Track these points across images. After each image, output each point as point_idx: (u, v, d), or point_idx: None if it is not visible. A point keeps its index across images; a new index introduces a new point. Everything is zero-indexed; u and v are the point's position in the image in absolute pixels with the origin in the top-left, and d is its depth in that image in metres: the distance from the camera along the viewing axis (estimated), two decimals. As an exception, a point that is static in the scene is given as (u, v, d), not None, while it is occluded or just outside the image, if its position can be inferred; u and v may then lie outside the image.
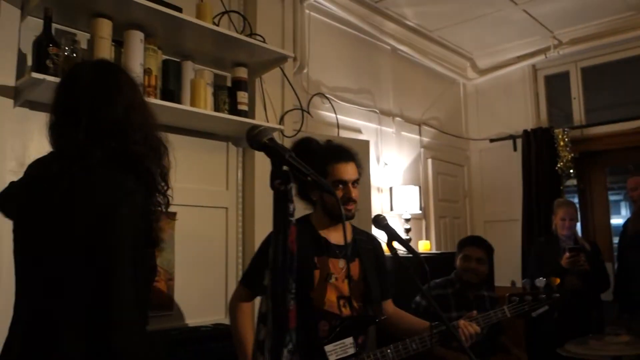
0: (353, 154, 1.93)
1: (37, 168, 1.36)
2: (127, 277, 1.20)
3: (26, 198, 1.32)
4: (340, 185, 1.85)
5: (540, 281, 2.17)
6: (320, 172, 1.75)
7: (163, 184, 1.38)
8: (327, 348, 1.71)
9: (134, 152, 1.30)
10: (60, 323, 1.19)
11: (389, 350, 1.81)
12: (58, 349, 1.17)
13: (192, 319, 2.64)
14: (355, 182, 1.89)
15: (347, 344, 1.74)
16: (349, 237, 1.95)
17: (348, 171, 1.87)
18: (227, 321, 2.76)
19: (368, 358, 1.78)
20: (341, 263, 1.87)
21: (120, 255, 1.21)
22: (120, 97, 1.33)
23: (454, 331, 1.77)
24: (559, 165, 4.59)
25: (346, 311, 1.84)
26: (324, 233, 1.90)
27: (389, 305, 2.08)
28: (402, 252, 1.84)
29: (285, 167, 1.03)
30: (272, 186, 1.01)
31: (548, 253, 3.58)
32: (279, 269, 0.95)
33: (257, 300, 1.95)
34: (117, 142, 1.29)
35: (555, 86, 5.02)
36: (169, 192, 1.41)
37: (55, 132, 1.35)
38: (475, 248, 2.93)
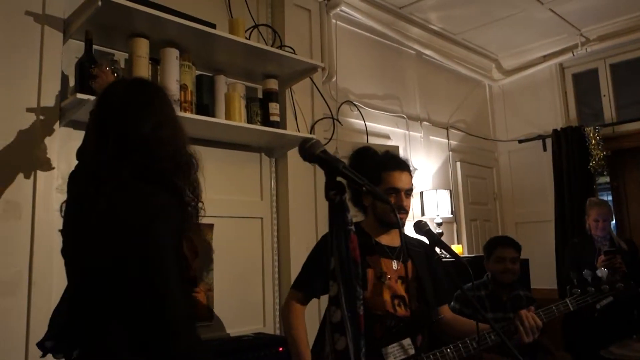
0: (408, 164, 1.96)
1: (76, 185, 1.41)
2: (177, 288, 1.24)
3: (67, 218, 1.37)
4: (393, 193, 1.85)
5: (602, 272, 2.08)
6: (373, 178, 1.78)
7: (192, 197, 1.41)
8: (385, 350, 1.69)
9: (161, 169, 1.33)
10: (113, 341, 1.22)
11: (448, 350, 1.78)
12: None
13: (232, 329, 2.67)
14: (408, 191, 1.89)
15: (405, 345, 1.72)
16: (398, 241, 1.93)
17: (402, 180, 1.87)
18: (267, 330, 2.80)
19: (427, 358, 1.76)
20: (394, 264, 1.87)
21: (164, 267, 1.24)
22: (149, 114, 1.36)
23: (501, 333, 1.74)
24: (591, 164, 4.52)
25: (401, 311, 1.82)
26: (376, 236, 1.92)
27: (446, 311, 2.04)
28: (443, 256, 1.85)
29: (339, 178, 1.05)
30: (327, 197, 1.03)
31: (583, 255, 3.52)
32: (346, 278, 0.97)
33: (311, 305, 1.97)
34: (143, 159, 1.32)
35: (584, 84, 4.95)
36: (201, 205, 1.44)
37: (84, 149, 1.42)
38: (507, 248, 2.92)
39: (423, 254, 1.99)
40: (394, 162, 1.92)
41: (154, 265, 1.23)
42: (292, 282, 2.02)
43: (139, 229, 1.24)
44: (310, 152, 1.09)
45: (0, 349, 1.81)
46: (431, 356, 1.77)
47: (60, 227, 1.40)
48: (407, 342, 1.74)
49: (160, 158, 1.33)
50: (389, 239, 1.92)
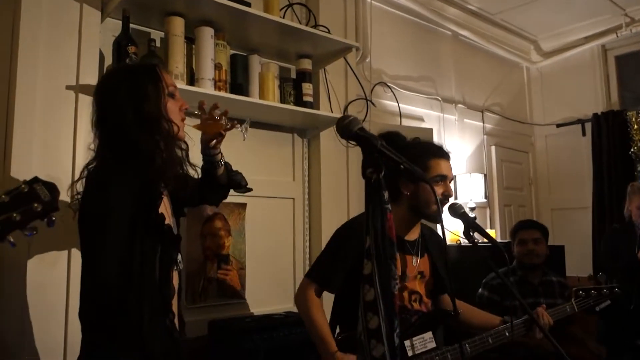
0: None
1: None
2: (113, 251, 1.32)
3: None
4: (441, 181, 1.79)
5: (602, 276, 2.26)
6: (420, 166, 1.72)
7: (176, 156, 1.51)
8: (407, 343, 1.67)
9: (143, 149, 1.41)
10: None
11: (467, 345, 1.79)
12: None
13: (263, 307, 2.70)
14: (451, 180, 1.85)
15: (427, 339, 1.71)
16: (417, 233, 1.91)
17: (449, 168, 1.83)
18: (296, 309, 2.82)
19: (447, 352, 1.75)
20: (414, 260, 1.84)
21: (106, 230, 1.33)
22: (126, 100, 1.45)
23: (534, 316, 1.73)
24: (632, 150, 4.38)
25: (417, 306, 1.83)
26: (398, 230, 1.82)
27: (446, 299, 2.04)
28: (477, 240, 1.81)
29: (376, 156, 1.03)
30: (364, 175, 1.02)
31: (623, 243, 3.41)
32: (382, 257, 0.96)
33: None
34: (125, 142, 1.42)
35: (627, 66, 4.76)
36: (182, 154, 1.55)
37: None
38: (529, 229, 2.92)
39: (437, 244, 1.96)
40: (440, 150, 1.87)
41: (97, 227, 1.34)
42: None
43: (92, 204, 1.38)
44: (349, 129, 1.07)
45: (41, 319, 1.87)
46: (451, 350, 1.76)
47: None
48: (428, 335, 1.73)
49: (143, 139, 1.43)
50: (409, 232, 1.87)
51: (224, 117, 1.65)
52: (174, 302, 1.44)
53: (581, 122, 4.77)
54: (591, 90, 4.80)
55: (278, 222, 2.87)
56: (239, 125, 1.69)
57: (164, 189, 1.49)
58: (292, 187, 2.95)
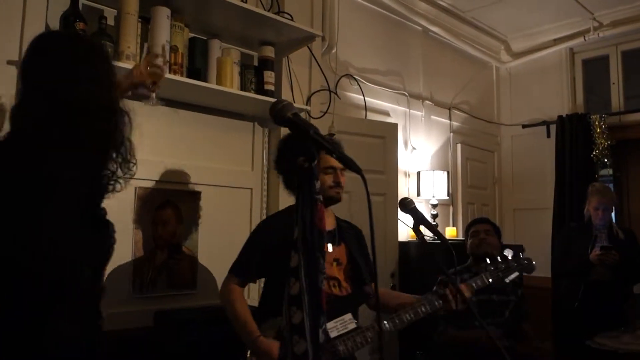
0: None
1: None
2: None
3: None
4: (332, 172, 1.99)
5: (508, 251, 2.36)
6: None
7: (118, 157, 1.35)
8: (328, 325, 1.75)
9: (94, 130, 1.28)
10: None
11: (386, 322, 1.91)
12: None
13: (215, 299, 2.63)
14: (342, 170, 2.01)
15: (347, 320, 1.82)
16: (333, 224, 2.05)
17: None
18: (251, 302, 2.75)
19: (367, 331, 1.84)
20: (329, 247, 1.96)
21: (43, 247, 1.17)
22: (84, 72, 1.31)
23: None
24: (594, 153, 4.44)
25: (336, 291, 1.92)
26: None
27: (372, 289, 2.13)
28: (428, 237, 1.80)
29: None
30: (296, 163, 0.97)
31: (578, 241, 3.44)
32: (309, 249, 0.91)
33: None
34: (77, 119, 1.27)
35: (594, 71, 4.83)
36: (132, 167, 1.39)
37: (19, 111, 1.30)
38: (480, 223, 3.05)
39: (354, 236, 2.10)
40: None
41: (32, 237, 1.17)
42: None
43: (28, 199, 1.18)
44: (281, 113, 1.02)
45: None
46: (371, 329, 1.86)
47: None
48: (348, 317, 1.83)
49: (96, 119, 1.29)
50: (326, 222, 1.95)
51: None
52: None
53: (546, 123, 4.82)
54: (557, 93, 4.86)
55: (234, 212, 2.81)
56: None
57: None
58: (250, 177, 2.88)
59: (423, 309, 1.98)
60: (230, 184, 2.78)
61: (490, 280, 2.25)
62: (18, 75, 1.37)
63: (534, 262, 2.39)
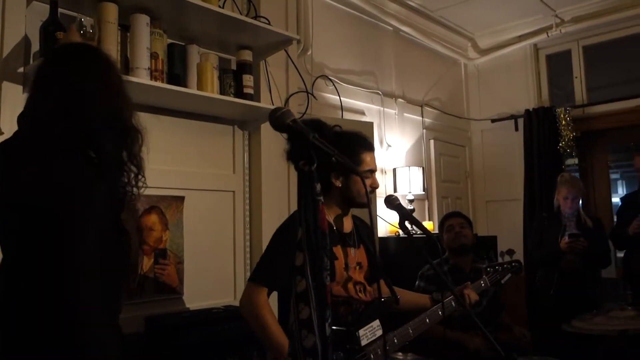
0: None
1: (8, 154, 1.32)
2: (90, 275, 1.23)
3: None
4: (370, 175, 1.88)
5: (502, 253, 2.54)
6: (354, 160, 1.80)
7: (133, 168, 1.39)
8: (360, 333, 1.67)
9: (92, 128, 1.30)
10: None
11: (409, 328, 1.86)
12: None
13: (202, 302, 2.66)
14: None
15: (375, 327, 1.73)
16: (351, 225, 1.95)
17: (375, 160, 1.92)
18: (236, 303, 2.80)
19: (394, 337, 1.81)
20: (352, 251, 1.88)
21: (78, 250, 1.23)
22: (95, 73, 1.35)
23: (459, 297, 1.85)
24: (560, 145, 4.61)
25: (362, 296, 1.85)
26: (332, 220, 1.88)
27: (383, 285, 2.02)
28: (413, 232, 1.87)
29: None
30: (297, 167, 1.02)
31: (548, 231, 3.59)
32: (313, 248, 0.96)
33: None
34: (79, 118, 1.29)
35: (557, 65, 5.01)
36: (141, 179, 1.42)
37: (27, 106, 1.36)
38: (453, 217, 3.17)
39: (365, 231, 2.01)
40: (368, 143, 1.93)
41: (68, 244, 1.22)
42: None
43: (62, 203, 1.23)
44: (281, 121, 1.07)
45: None
46: (397, 335, 1.83)
47: None
48: (376, 323, 1.74)
49: (93, 117, 1.31)
50: (344, 224, 1.90)
51: None
52: None
53: (514, 117, 4.98)
54: (524, 87, 5.02)
55: (218, 216, 2.83)
56: None
57: None
58: (232, 180, 2.91)
59: (440, 313, 1.96)
60: (212, 187, 2.80)
61: (489, 284, 2.38)
62: (34, 83, 1.37)
63: (522, 264, 2.58)
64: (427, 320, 1.94)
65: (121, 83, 1.41)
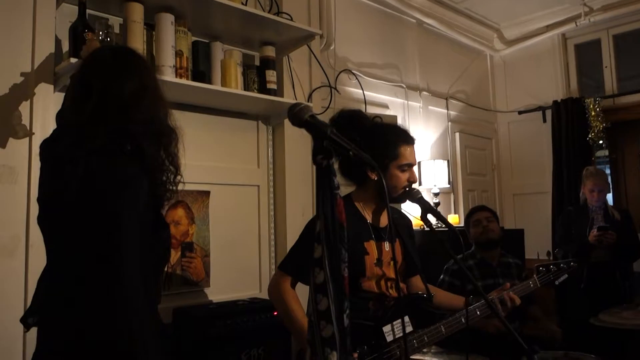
0: None
1: (53, 150, 1.36)
2: (133, 266, 1.25)
3: (43, 186, 1.35)
4: (408, 169, 1.82)
5: (559, 252, 2.32)
6: (390, 152, 1.77)
7: (171, 167, 1.42)
8: (385, 328, 1.66)
9: (134, 132, 1.33)
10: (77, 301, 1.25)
11: (442, 327, 1.80)
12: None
13: (228, 294, 2.71)
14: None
15: (404, 324, 1.70)
16: (387, 218, 1.87)
17: (414, 154, 1.85)
18: (262, 296, 2.85)
19: (424, 335, 1.76)
20: (387, 246, 1.83)
21: (124, 242, 1.25)
22: (133, 76, 1.37)
23: (490, 302, 1.76)
24: (590, 136, 4.51)
25: (393, 292, 1.82)
26: (367, 214, 1.86)
27: (418, 280, 2.03)
28: (436, 225, 1.86)
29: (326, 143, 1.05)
30: (315, 161, 1.04)
31: (576, 224, 3.54)
32: (331, 240, 0.98)
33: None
34: (119, 121, 1.32)
35: (586, 55, 4.90)
36: (179, 178, 1.45)
37: (64, 111, 1.41)
38: (480, 211, 3.09)
39: (405, 227, 1.98)
40: (410, 136, 1.86)
41: (113, 240, 1.25)
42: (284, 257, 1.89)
43: (107, 200, 1.26)
44: (299, 116, 1.09)
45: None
46: (428, 333, 1.77)
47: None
48: (405, 320, 1.71)
49: (136, 120, 1.34)
50: (379, 218, 1.87)
51: None
52: None
53: (542, 109, 4.90)
54: (552, 78, 4.93)
55: (243, 210, 2.88)
56: None
57: None
58: (256, 175, 2.96)
59: (478, 312, 1.92)
60: (237, 182, 2.85)
61: (540, 285, 2.23)
62: (73, 86, 1.43)
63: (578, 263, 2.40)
64: (463, 319, 1.85)
65: (157, 84, 1.44)
